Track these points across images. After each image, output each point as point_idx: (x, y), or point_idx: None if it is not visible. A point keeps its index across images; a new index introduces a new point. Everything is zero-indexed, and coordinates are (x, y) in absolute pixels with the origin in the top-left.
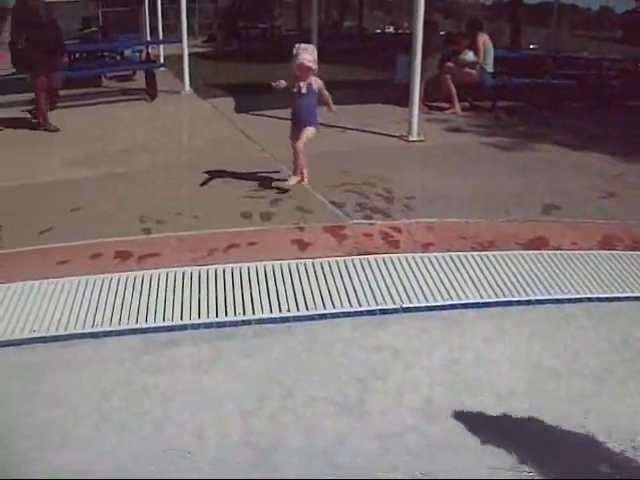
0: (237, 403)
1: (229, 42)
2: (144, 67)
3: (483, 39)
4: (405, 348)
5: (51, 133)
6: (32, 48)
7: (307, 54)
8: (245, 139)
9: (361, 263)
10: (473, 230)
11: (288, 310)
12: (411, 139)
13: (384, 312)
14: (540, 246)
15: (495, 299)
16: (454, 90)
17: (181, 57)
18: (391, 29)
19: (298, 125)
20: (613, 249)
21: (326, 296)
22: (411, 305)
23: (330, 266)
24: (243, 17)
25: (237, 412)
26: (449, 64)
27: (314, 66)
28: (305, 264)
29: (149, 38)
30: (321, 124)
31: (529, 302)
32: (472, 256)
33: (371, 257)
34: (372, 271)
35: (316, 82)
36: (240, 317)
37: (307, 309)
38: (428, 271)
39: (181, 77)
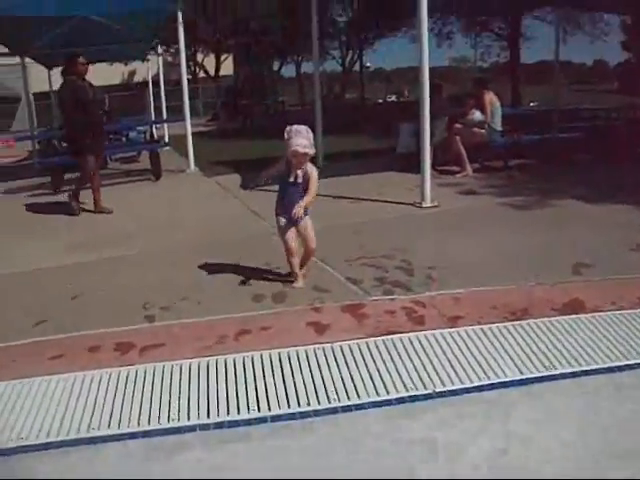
0: None
1: (233, 120)
2: (148, 147)
3: (490, 98)
4: (444, 440)
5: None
6: (84, 129)
7: (301, 138)
8: (252, 216)
9: (385, 345)
10: (503, 298)
11: (308, 404)
12: (425, 205)
13: (415, 399)
14: (578, 310)
15: (537, 374)
16: (464, 152)
17: (186, 137)
18: (393, 98)
19: (291, 217)
20: None
21: (349, 385)
22: (445, 389)
23: (351, 350)
24: (245, 95)
25: None
26: (457, 125)
27: (311, 151)
28: (324, 349)
29: (153, 119)
30: (332, 196)
31: (575, 374)
32: (506, 327)
33: (395, 337)
34: (398, 353)
35: (312, 170)
36: (255, 414)
37: (329, 401)
38: (460, 348)
39: (186, 156)
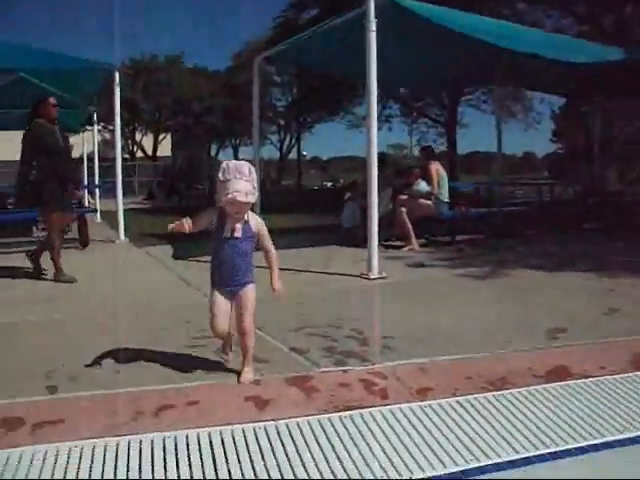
0: None
1: (168, 199)
2: (77, 212)
3: (436, 168)
4: None
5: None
6: (48, 179)
7: (242, 181)
8: (184, 285)
9: (342, 422)
10: (476, 367)
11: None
12: (372, 277)
13: None
14: (564, 376)
15: (535, 452)
16: (409, 224)
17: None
18: (329, 184)
19: (228, 285)
20: None
21: (300, 473)
22: (425, 476)
23: (301, 429)
24: (183, 177)
25: None
26: (402, 197)
27: (252, 198)
28: (266, 428)
29: (87, 197)
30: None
31: (582, 450)
32: (486, 398)
33: (354, 412)
34: (359, 431)
35: (254, 220)
36: None
37: None
38: (434, 424)
39: (117, 229)
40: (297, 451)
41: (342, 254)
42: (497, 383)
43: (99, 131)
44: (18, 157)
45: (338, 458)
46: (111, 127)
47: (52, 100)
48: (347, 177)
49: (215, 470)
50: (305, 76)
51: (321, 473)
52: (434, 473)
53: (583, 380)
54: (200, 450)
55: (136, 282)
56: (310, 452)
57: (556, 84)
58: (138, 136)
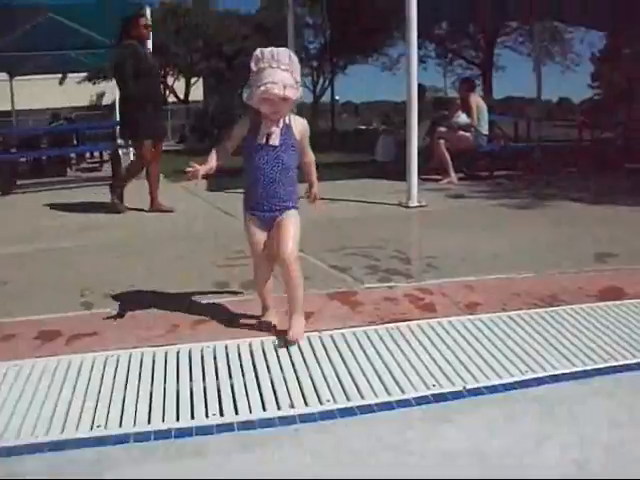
0: None
1: (201, 142)
2: (109, 147)
3: (476, 100)
4: (492, 451)
5: None
6: (141, 105)
7: (280, 71)
8: (219, 212)
9: (389, 333)
10: (526, 285)
11: (291, 405)
12: (412, 205)
13: (441, 399)
14: (619, 296)
15: (593, 366)
16: (449, 157)
17: None
18: (362, 127)
19: (265, 209)
20: None
21: (347, 382)
22: (479, 385)
23: (346, 340)
24: (214, 121)
25: None
26: (441, 129)
27: (293, 93)
28: (309, 338)
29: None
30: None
31: None
32: (538, 314)
33: (402, 324)
34: (408, 342)
35: (297, 123)
36: (215, 420)
37: (320, 402)
38: (486, 337)
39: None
40: (343, 360)
41: (378, 186)
42: (547, 300)
43: None
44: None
45: (387, 367)
46: None
47: (143, 20)
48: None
49: (257, 378)
50: (338, 17)
51: (368, 381)
52: (489, 383)
53: (638, 300)
54: (240, 359)
55: (172, 212)
56: (357, 361)
57: (600, 16)
58: (170, 80)
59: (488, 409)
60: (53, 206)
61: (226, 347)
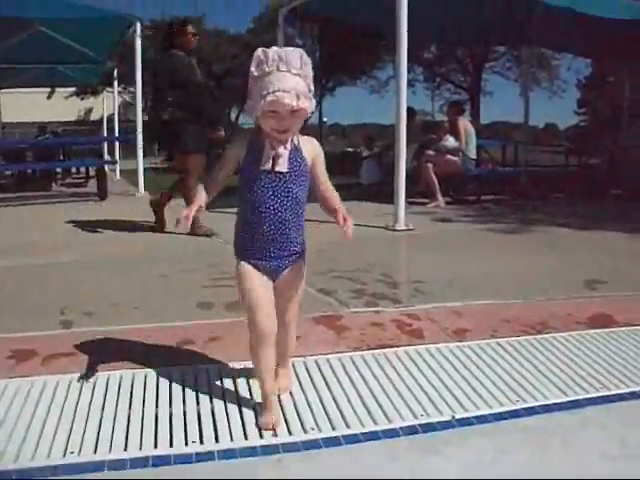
0: None
1: None
2: (95, 163)
3: (464, 124)
4: None
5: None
6: (186, 118)
7: (290, 76)
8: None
9: (375, 359)
10: (515, 312)
11: (274, 434)
12: (399, 228)
13: (429, 429)
14: (608, 323)
15: (585, 395)
16: (436, 181)
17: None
18: (349, 149)
19: (270, 257)
20: None
21: (332, 409)
22: (469, 415)
23: (331, 366)
24: None
25: None
26: (429, 152)
27: (308, 105)
28: (294, 364)
29: (107, 156)
30: None
31: (635, 395)
32: (527, 341)
33: (389, 351)
34: (395, 369)
35: (309, 144)
36: (195, 448)
37: (304, 431)
38: (475, 364)
39: (136, 183)
40: (328, 387)
41: (365, 208)
42: (537, 327)
43: (120, 93)
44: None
45: (373, 395)
46: (132, 89)
47: (190, 28)
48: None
49: (239, 404)
50: (327, 38)
51: (354, 409)
52: (478, 413)
53: (628, 327)
54: (223, 388)
55: (156, 229)
56: (342, 388)
57: (585, 44)
58: None
59: (478, 440)
60: (37, 221)
61: (207, 371)
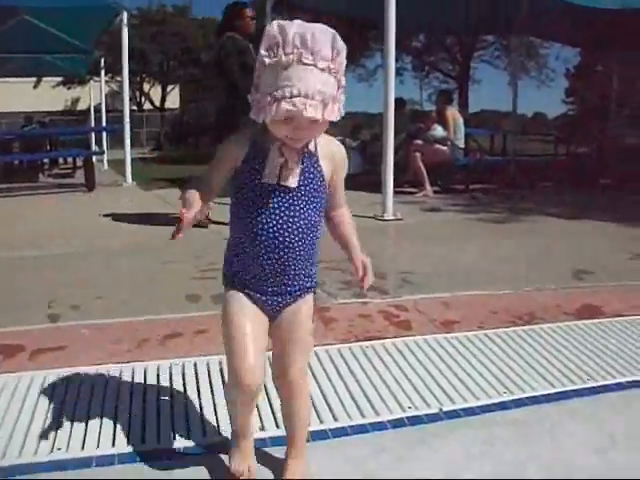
0: None
1: (177, 149)
2: (82, 153)
3: (452, 113)
4: (472, 477)
5: None
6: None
7: (318, 72)
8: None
9: (363, 351)
10: (503, 302)
11: (261, 428)
12: (387, 217)
13: (416, 421)
14: (596, 314)
15: (572, 387)
16: (424, 170)
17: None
18: (338, 138)
19: (270, 291)
20: None
21: (320, 403)
22: (456, 407)
23: (319, 358)
24: (191, 128)
25: None
26: (417, 142)
27: (338, 113)
28: None
29: (94, 146)
30: None
31: (621, 386)
32: (515, 332)
33: (376, 342)
34: (383, 361)
35: (326, 150)
36: (183, 443)
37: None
38: (463, 356)
39: (124, 174)
40: (315, 380)
41: (353, 198)
42: (525, 318)
43: (107, 82)
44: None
45: (361, 387)
46: (119, 78)
47: (249, 11)
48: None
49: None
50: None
51: (342, 402)
52: (466, 405)
53: (616, 318)
54: (210, 380)
55: (143, 221)
56: (330, 381)
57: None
58: (146, 87)
59: (465, 432)
60: (23, 212)
61: (195, 365)
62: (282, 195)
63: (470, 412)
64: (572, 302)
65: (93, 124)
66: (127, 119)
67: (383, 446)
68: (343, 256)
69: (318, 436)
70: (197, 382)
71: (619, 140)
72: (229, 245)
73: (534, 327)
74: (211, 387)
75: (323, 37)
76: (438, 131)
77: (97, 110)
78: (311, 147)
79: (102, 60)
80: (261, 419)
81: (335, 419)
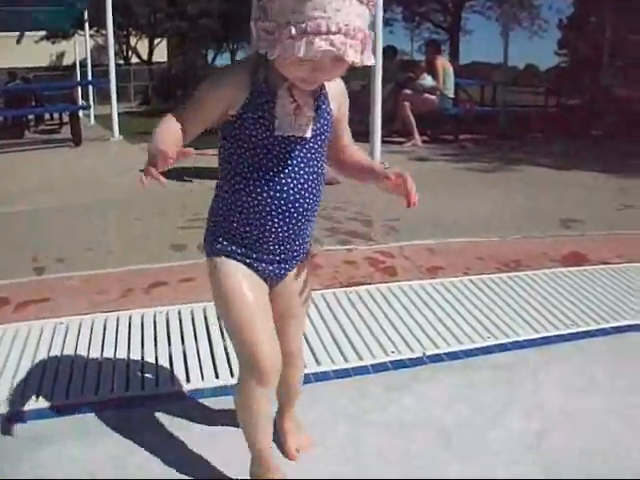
0: None
1: (165, 102)
2: (68, 108)
3: (442, 62)
4: (451, 421)
5: None
6: None
7: (358, 3)
8: (179, 174)
9: (348, 297)
10: (489, 250)
11: (217, 376)
12: None
13: (399, 365)
14: (581, 261)
15: (556, 332)
16: (413, 119)
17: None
18: None
19: (280, 258)
20: None
21: (303, 348)
22: (440, 351)
23: None
24: (178, 82)
25: None
26: (406, 91)
27: (368, 54)
28: None
29: (81, 100)
30: None
31: (604, 331)
32: (500, 278)
33: (361, 288)
34: (367, 307)
35: (333, 90)
36: (166, 389)
37: None
38: (447, 301)
39: (111, 129)
40: None
41: None
42: (511, 264)
43: (92, 36)
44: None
45: (345, 332)
46: (104, 31)
47: None
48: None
49: (210, 345)
50: None
51: (324, 346)
52: (449, 349)
53: (602, 266)
54: (194, 327)
55: (131, 174)
56: (314, 326)
57: None
58: (133, 41)
59: (448, 376)
60: (10, 169)
61: (179, 312)
62: (298, 148)
63: (453, 356)
64: (558, 250)
65: (79, 79)
66: (113, 73)
67: (366, 391)
68: (328, 204)
69: None
70: (181, 330)
71: (611, 91)
72: (220, 210)
73: (519, 274)
74: (195, 334)
75: None
76: (427, 80)
77: (83, 65)
78: (327, 91)
79: (85, 13)
80: (215, 367)
81: (318, 363)
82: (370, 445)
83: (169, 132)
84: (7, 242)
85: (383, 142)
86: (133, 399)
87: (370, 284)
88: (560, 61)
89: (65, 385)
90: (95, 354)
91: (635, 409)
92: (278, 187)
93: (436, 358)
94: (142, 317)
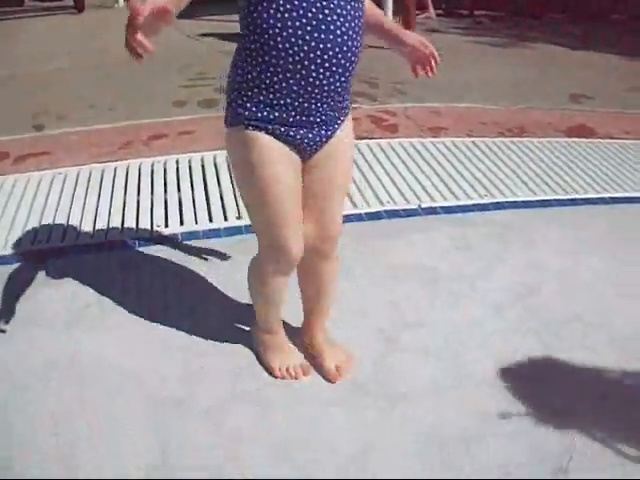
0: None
1: None
2: None
3: None
4: (442, 269)
5: None
6: None
7: None
8: (186, 38)
9: None
10: (495, 116)
11: (238, 217)
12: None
13: (394, 215)
14: (587, 134)
15: (554, 196)
16: None
17: None
18: None
19: (318, 121)
20: None
21: None
22: (435, 205)
23: None
24: None
25: None
26: None
27: None
28: None
29: None
30: None
31: (603, 200)
32: (503, 143)
33: (361, 142)
34: (365, 159)
35: None
36: (161, 232)
37: None
38: (447, 159)
39: None
40: None
41: None
42: (515, 130)
43: None
44: None
45: None
46: None
47: None
48: None
49: (206, 192)
50: None
51: None
52: (445, 204)
53: (608, 140)
54: (191, 173)
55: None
56: None
57: None
58: None
59: (442, 229)
60: (11, 35)
61: (177, 161)
62: None
63: (449, 210)
64: (565, 121)
65: None
66: None
67: (360, 238)
68: None
69: None
70: (178, 177)
71: None
72: (247, 70)
73: (523, 140)
74: (191, 182)
75: None
76: None
77: None
78: None
79: None
80: (210, 212)
81: None
82: (361, 288)
83: None
84: (8, 103)
85: (395, 13)
86: (127, 243)
87: (370, 139)
88: None
89: (62, 230)
90: (92, 201)
91: (627, 276)
92: (326, 31)
93: (431, 211)
94: (140, 166)
